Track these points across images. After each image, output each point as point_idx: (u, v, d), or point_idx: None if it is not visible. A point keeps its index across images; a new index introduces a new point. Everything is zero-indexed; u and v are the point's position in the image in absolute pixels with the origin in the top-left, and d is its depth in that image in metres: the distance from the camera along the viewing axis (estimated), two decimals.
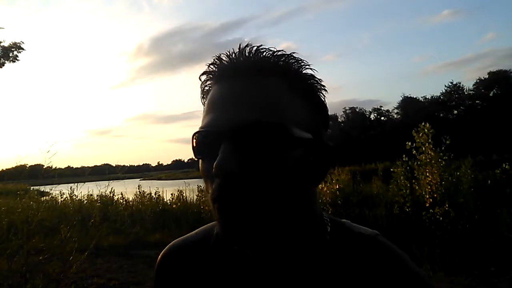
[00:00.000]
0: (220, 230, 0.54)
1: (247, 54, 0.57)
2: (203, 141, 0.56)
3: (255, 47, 0.58)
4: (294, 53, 0.59)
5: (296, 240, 0.58)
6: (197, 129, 0.57)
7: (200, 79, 0.61)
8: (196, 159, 0.59)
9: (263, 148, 0.51)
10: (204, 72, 0.60)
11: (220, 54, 0.59)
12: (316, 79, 0.59)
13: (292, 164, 0.53)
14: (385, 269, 0.56)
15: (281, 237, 0.56)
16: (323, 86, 0.60)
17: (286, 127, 0.52)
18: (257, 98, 0.54)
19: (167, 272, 0.70)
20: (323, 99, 0.60)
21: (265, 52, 0.57)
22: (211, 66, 0.60)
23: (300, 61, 0.58)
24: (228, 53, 0.58)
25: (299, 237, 0.58)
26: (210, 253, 0.66)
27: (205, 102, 0.60)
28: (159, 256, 0.73)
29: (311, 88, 0.59)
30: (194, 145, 0.57)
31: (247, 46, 0.58)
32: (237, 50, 0.58)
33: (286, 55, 0.58)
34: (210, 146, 0.53)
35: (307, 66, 0.59)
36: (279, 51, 0.58)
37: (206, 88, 0.61)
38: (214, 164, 0.50)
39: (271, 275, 0.58)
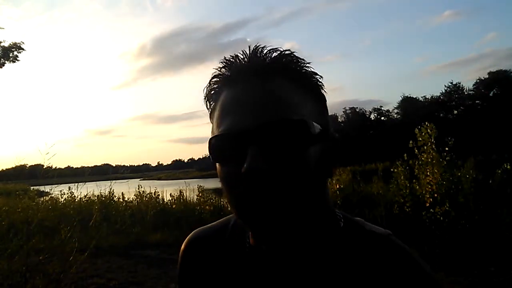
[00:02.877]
0: (254, 229, 0.56)
1: (258, 55, 0.59)
2: (225, 144, 0.56)
3: (266, 49, 0.59)
4: (294, 52, 0.61)
5: (313, 233, 0.59)
6: (210, 134, 0.59)
7: (210, 84, 0.62)
8: (215, 163, 0.59)
9: (289, 145, 0.53)
10: (215, 75, 0.61)
11: (230, 57, 0.60)
12: (319, 75, 0.62)
13: (313, 158, 0.55)
14: (396, 269, 0.56)
15: (302, 231, 0.58)
16: (322, 81, 0.63)
17: (307, 123, 0.54)
18: (277, 97, 0.55)
19: (189, 258, 0.73)
20: (324, 94, 0.63)
21: (274, 53, 0.59)
22: (223, 69, 0.60)
23: (302, 60, 0.61)
24: (240, 54, 0.60)
25: (315, 231, 0.59)
26: (225, 245, 0.68)
27: (215, 106, 0.61)
28: (184, 241, 0.76)
29: (317, 85, 0.61)
30: (214, 149, 0.57)
31: (256, 47, 0.59)
32: (248, 52, 0.60)
33: (291, 55, 0.60)
34: (233, 149, 0.54)
35: (307, 64, 0.61)
36: (286, 50, 0.60)
37: (214, 91, 0.61)
38: (245, 167, 0.51)
39: (282, 268, 0.59)
